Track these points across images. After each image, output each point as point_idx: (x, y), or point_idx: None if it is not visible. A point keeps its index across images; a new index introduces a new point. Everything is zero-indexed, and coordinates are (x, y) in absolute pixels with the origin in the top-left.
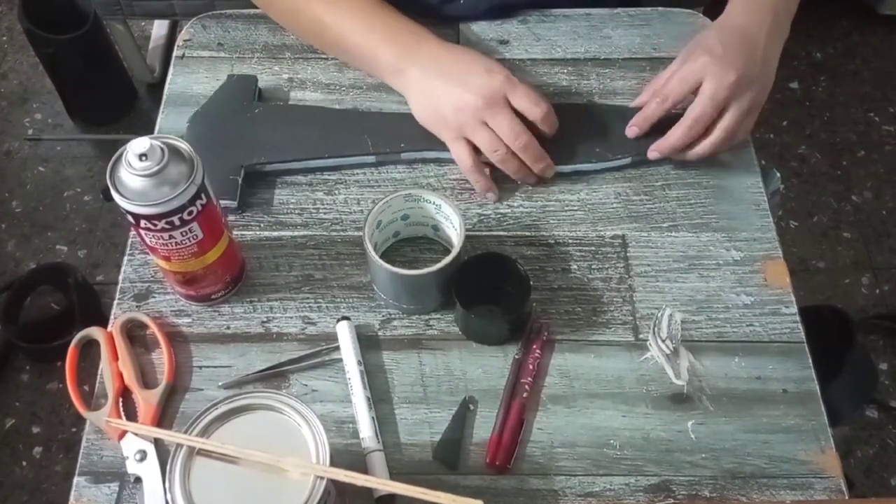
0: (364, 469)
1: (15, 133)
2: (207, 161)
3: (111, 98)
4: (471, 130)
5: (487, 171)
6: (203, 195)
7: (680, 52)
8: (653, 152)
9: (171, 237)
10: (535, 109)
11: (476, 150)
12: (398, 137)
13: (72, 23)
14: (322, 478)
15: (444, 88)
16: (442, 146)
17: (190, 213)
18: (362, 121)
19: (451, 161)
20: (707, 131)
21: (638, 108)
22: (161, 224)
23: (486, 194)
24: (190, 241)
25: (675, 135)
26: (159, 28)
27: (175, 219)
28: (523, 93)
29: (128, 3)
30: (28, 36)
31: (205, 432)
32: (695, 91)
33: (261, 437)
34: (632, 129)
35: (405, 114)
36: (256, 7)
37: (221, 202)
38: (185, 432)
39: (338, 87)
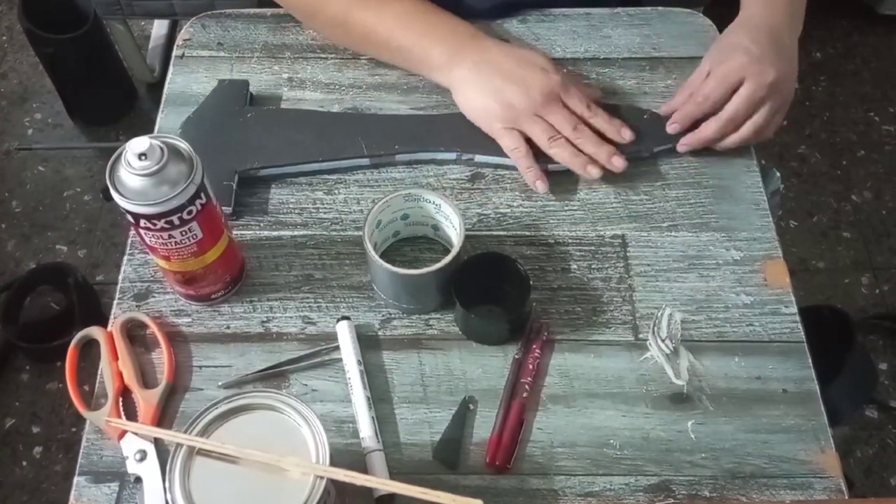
0: (364, 469)
1: (15, 133)
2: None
3: (111, 98)
4: (525, 124)
5: None
6: (203, 195)
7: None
8: (683, 146)
9: (170, 237)
10: (588, 113)
11: (528, 141)
12: (392, 139)
13: (72, 23)
14: (322, 478)
15: (499, 84)
16: (436, 147)
17: (189, 213)
18: (356, 123)
19: (447, 162)
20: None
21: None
22: (160, 223)
23: (535, 183)
24: (189, 241)
25: (709, 128)
26: (159, 28)
27: (174, 218)
28: (577, 97)
29: (128, 2)
30: (28, 36)
31: (204, 432)
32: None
33: (260, 436)
34: (673, 126)
35: (399, 115)
36: (255, 7)
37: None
38: (185, 432)
39: (337, 87)
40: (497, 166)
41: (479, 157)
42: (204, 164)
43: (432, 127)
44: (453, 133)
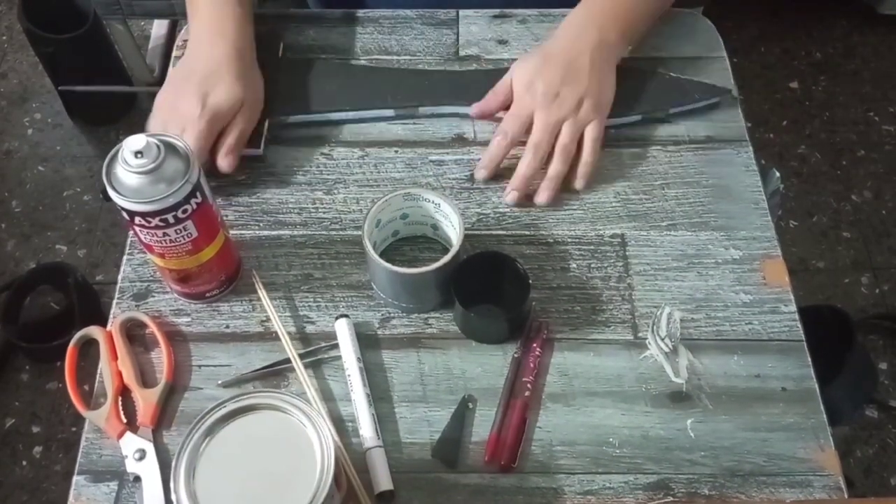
0: (364, 467)
1: (15, 133)
2: None
3: (111, 98)
4: (180, 129)
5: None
6: (198, 193)
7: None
8: (511, 193)
9: (164, 234)
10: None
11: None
12: (417, 94)
13: (72, 23)
14: (326, 480)
15: (179, 89)
16: (459, 102)
17: (184, 212)
18: (383, 76)
19: (469, 117)
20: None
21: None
22: (155, 221)
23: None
24: (184, 240)
25: (523, 165)
26: (159, 28)
27: (169, 216)
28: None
29: (127, 2)
30: (28, 36)
31: (210, 431)
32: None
33: (266, 437)
34: (480, 172)
35: (424, 70)
36: (257, 8)
37: (246, 152)
38: (191, 431)
39: None
40: None
41: (499, 113)
42: None
43: (456, 82)
44: (477, 89)
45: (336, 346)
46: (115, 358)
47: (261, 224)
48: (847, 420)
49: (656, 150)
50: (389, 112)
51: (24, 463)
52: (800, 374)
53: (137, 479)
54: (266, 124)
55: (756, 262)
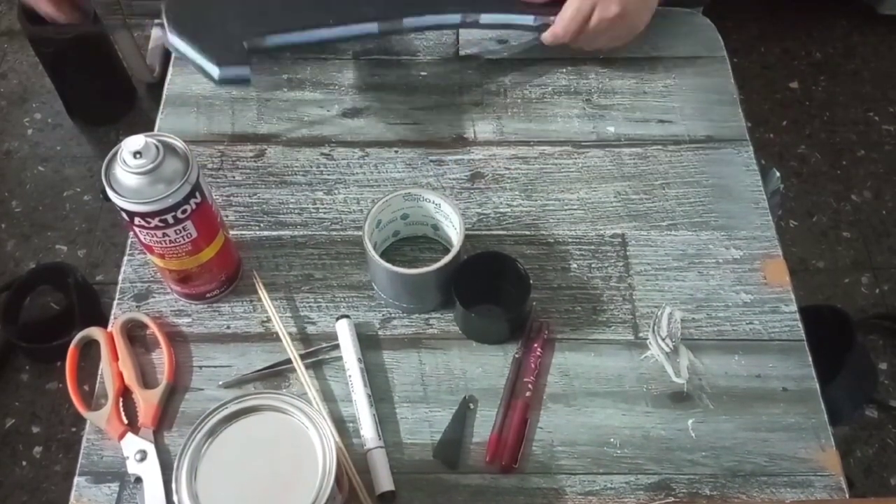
0: (365, 467)
1: (15, 133)
2: (203, 36)
3: (111, 98)
4: None
5: None
6: (198, 194)
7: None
8: (546, 36)
9: (164, 235)
10: None
11: None
12: (401, 6)
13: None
14: (328, 481)
15: None
16: (444, 10)
17: (184, 212)
18: None
19: (452, 25)
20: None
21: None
22: (154, 222)
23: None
24: (184, 240)
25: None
26: (159, 28)
27: (168, 217)
28: None
29: (127, 2)
30: (28, 36)
31: (212, 433)
32: None
33: (267, 438)
34: (548, 37)
35: None
36: None
37: (231, 72)
38: (193, 432)
39: (337, 87)
40: (503, 25)
41: (483, 18)
42: (207, 32)
43: None
44: None
45: (337, 347)
46: (116, 359)
47: (261, 224)
48: (847, 420)
49: (656, 150)
50: (373, 27)
51: (24, 463)
52: (801, 374)
53: (139, 480)
54: (245, 45)
55: (756, 262)
